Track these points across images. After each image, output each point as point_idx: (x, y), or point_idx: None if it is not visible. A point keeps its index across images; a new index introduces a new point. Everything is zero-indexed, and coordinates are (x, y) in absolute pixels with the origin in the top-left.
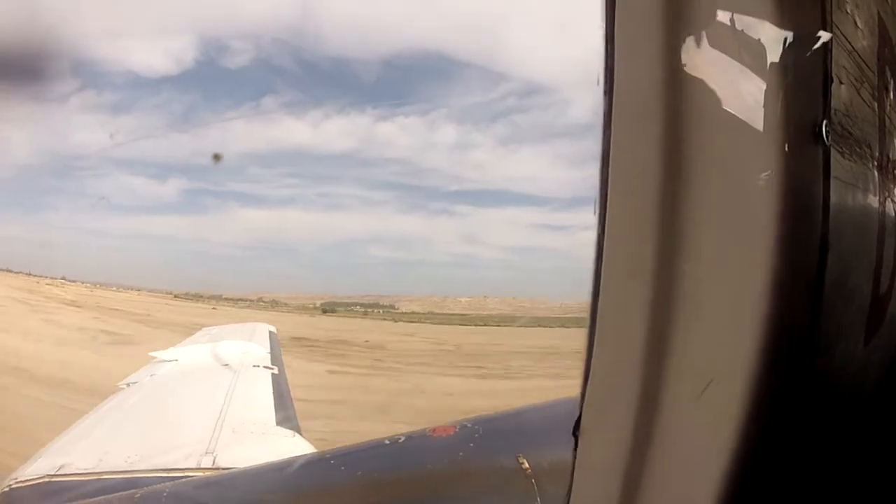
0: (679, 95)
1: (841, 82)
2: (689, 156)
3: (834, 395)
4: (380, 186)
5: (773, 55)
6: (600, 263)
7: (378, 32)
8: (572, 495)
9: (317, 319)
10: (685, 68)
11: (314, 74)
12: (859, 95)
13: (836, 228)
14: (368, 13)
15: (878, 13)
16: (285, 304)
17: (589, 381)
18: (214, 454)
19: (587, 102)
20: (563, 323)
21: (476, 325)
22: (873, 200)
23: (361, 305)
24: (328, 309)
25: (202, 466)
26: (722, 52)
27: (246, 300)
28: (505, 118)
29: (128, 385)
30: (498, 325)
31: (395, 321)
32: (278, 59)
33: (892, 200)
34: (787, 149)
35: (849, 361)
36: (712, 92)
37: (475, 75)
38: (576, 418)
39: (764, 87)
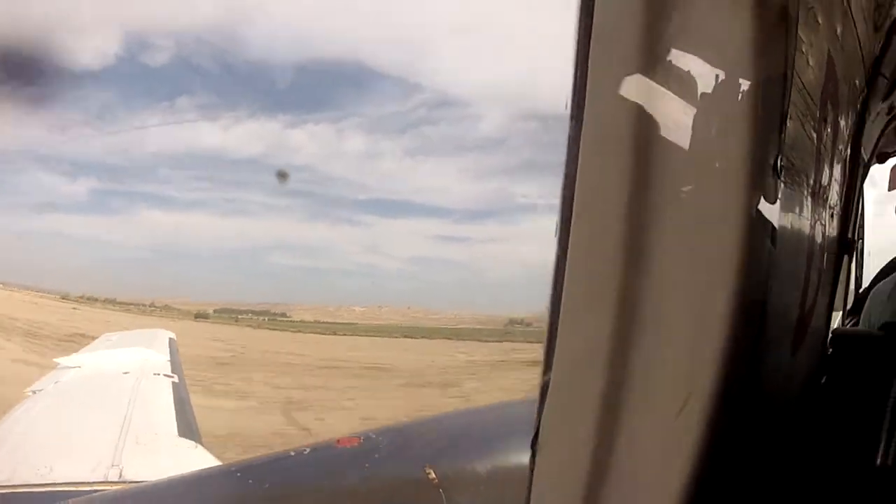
0: (648, 126)
1: (790, 118)
2: (655, 185)
3: (769, 400)
4: (286, 193)
5: (737, 94)
6: (561, 284)
7: (298, 37)
8: None
9: (183, 325)
10: (654, 101)
11: (230, 76)
12: (803, 128)
13: (780, 253)
14: (292, 18)
15: (829, 50)
16: (177, 310)
17: (548, 395)
18: (121, 467)
19: (496, 118)
20: (448, 335)
21: (363, 334)
22: (806, 225)
23: (253, 312)
24: (201, 315)
25: (109, 480)
26: (690, 89)
27: (139, 304)
28: (415, 129)
29: (34, 392)
30: (377, 336)
31: (273, 329)
32: (198, 59)
33: (821, 224)
34: (746, 181)
35: (780, 370)
36: (680, 125)
37: (389, 85)
38: (534, 431)
39: (728, 122)
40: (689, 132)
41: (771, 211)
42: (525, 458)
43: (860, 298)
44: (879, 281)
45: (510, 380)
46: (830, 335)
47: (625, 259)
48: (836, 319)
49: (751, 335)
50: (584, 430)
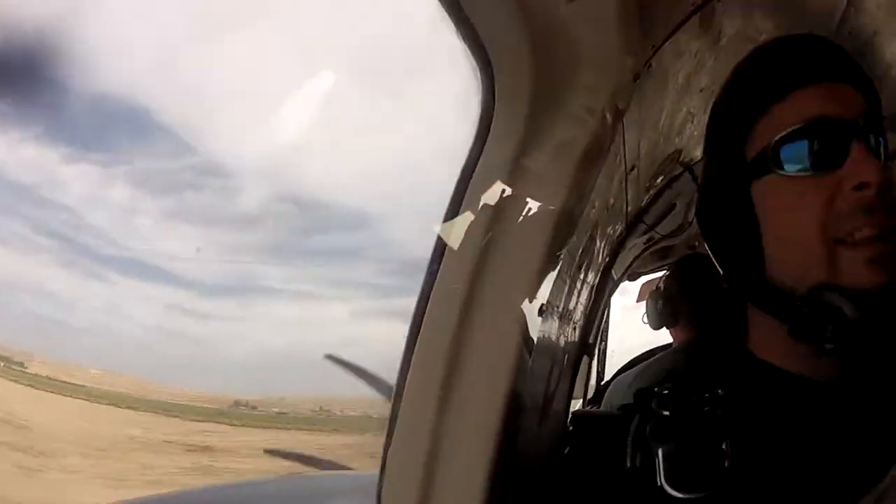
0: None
1: (559, 266)
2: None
3: (524, 468)
4: (45, 232)
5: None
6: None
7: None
8: None
9: None
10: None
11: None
12: (564, 275)
13: (535, 359)
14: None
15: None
16: None
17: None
18: None
19: (257, 194)
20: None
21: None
22: (553, 337)
23: None
24: None
25: None
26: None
27: None
28: (178, 192)
29: None
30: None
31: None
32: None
33: (564, 336)
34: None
35: (532, 444)
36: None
37: (165, 139)
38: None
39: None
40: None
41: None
42: None
43: (601, 390)
44: (621, 374)
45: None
46: (570, 415)
47: (451, 354)
48: (577, 405)
49: (514, 418)
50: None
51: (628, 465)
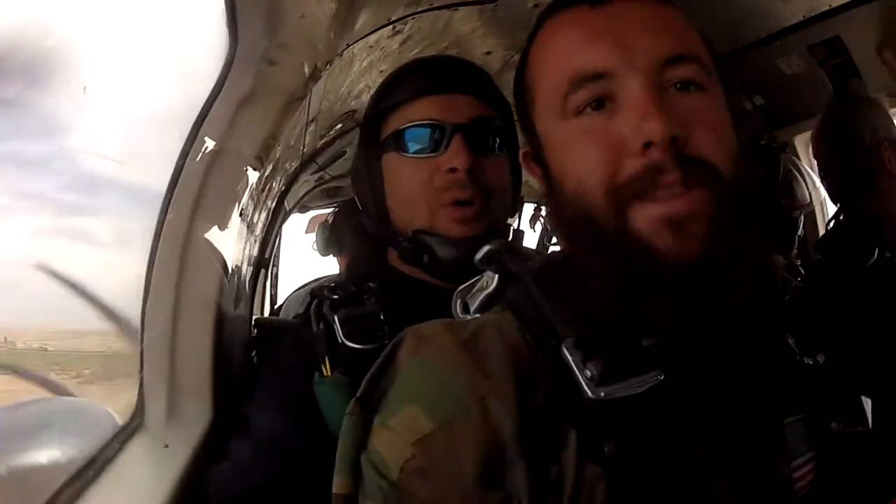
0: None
1: (260, 179)
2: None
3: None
4: None
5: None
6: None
7: None
8: None
9: None
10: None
11: None
12: (262, 187)
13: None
14: None
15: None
16: None
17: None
18: None
19: None
20: None
21: None
22: (242, 245)
23: None
24: None
25: None
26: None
27: None
28: None
29: None
30: None
31: None
32: None
33: (249, 245)
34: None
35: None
36: None
37: None
38: None
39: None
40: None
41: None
42: None
43: (275, 313)
44: (297, 293)
45: None
46: (254, 322)
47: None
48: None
49: (222, 322)
50: None
51: (314, 329)
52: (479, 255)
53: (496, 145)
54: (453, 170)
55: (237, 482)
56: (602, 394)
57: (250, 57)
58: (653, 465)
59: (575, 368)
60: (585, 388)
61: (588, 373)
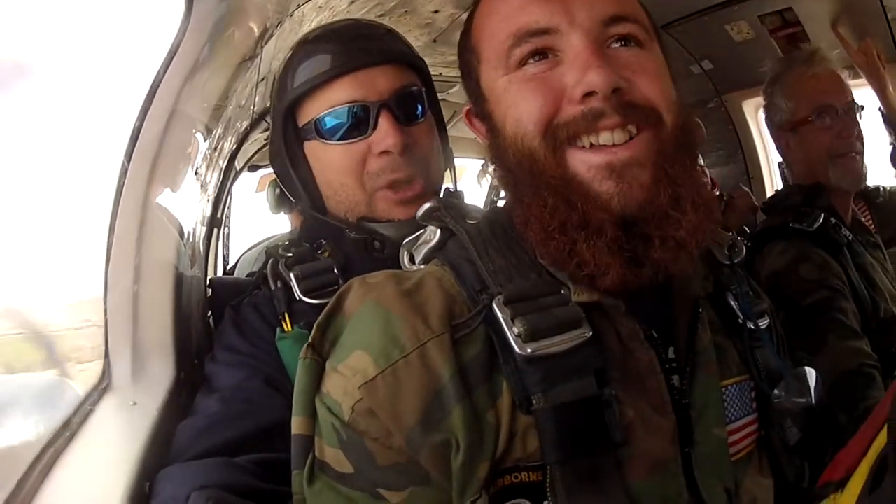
0: None
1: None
2: None
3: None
4: None
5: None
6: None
7: None
8: None
9: None
10: None
11: None
12: (213, 146)
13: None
14: None
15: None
16: None
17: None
18: None
19: None
20: None
21: None
22: (196, 205)
23: None
24: None
25: None
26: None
27: None
28: None
29: None
30: None
31: None
32: None
33: (202, 205)
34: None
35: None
36: None
37: None
38: None
39: None
40: None
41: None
42: None
43: (228, 273)
44: (249, 252)
45: None
46: (209, 281)
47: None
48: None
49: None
50: None
51: (272, 287)
52: (419, 212)
53: (421, 111)
54: (386, 152)
55: (208, 436)
56: (529, 350)
57: (204, 23)
58: (579, 419)
59: (504, 325)
60: (513, 344)
61: (516, 329)
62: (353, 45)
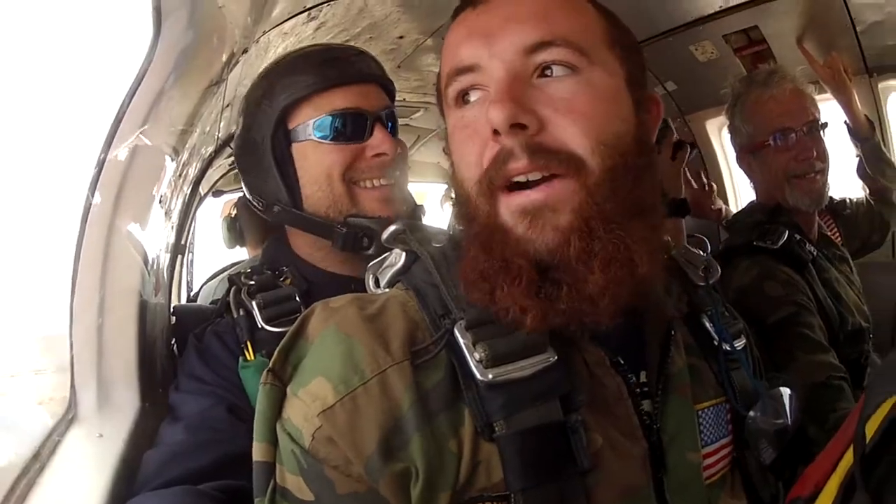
0: None
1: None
2: None
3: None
4: None
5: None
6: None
7: None
8: None
9: None
10: None
11: None
12: (177, 175)
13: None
14: None
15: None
16: None
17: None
18: None
19: None
20: None
21: None
22: (155, 235)
23: None
24: None
25: None
26: None
27: None
28: None
29: None
30: None
31: None
32: None
33: (166, 234)
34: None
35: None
36: None
37: None
38: None
39: None
40: None
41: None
42: None
43: (192, 300)
44: (213, 279)
45: None
46: (173, 309)
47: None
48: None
49: (144, 307)
50: None
51: (235, 316)
52: (385, 235)
53: (395, 131)
54: (379, 154)
55: (173, 464)
56: (490, 376)
57: (171, 50)
58: (544, 445)
59: (465, 350)
60: (474, 370)
61: (477, 355)
62: (350, 61)
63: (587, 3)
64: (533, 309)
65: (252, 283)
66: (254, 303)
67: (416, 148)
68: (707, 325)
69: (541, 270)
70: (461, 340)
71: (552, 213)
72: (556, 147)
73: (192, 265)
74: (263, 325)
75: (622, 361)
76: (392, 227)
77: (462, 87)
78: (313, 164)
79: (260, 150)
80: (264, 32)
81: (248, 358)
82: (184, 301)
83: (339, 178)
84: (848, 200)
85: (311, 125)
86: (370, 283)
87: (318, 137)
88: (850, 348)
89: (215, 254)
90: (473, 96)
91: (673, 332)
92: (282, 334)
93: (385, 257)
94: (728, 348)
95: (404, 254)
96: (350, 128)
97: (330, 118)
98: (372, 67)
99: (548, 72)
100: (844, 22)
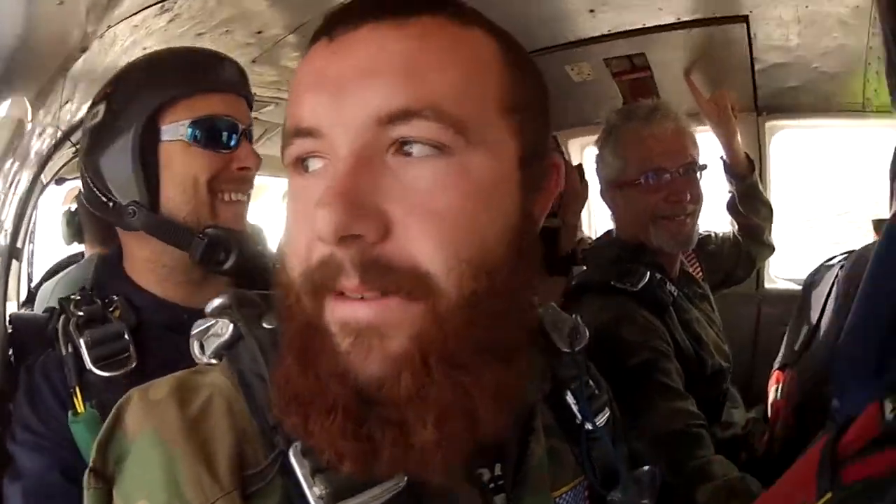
0: None
1: None
2: None
3: None
4: None
5: None
6: None
7: None
8: None
9: None
10: None
11: None
12: None
13: None
14: None
15: None
16: None
17: None
18: None
19: None
20: None
21: None
22: None
23: None
24: None
25: None
26: None
27: None
28: None
29: None
30: None
31: None
32: None
33: None
34: None
35: None
36: None
37: None
38: None
39: None
40: None
41: None
42: None
43: (33, 292)
44: (46, 277)
45: None
46: (9, 318)
47: None
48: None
49: None
50: None
51: (63, 352)
52: (209, 308)
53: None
54: (244, 168)
55: None
56: None
57: (4, 49)
58: None
59: (303, 483)
60: None
61: (317, 490)
62: (231, 69)
63: (479, 34)
64: (350, 455)
65: (81, 314)
66: (81, 340)
67: (262, 142)
68: (570, 402)
69: (365, 401)
70: (298, 469)
71: (380, 339)
72: (398, 263)
73: (32, 256)
74: (91, 366)
75: (476, 459)
76: (218, 300)
77: (300, 154)
78: (179, 166)
79: (123, 139)
80: (109, 27)
81: (78, 409)
82: (24, 295)
83: (205, 186)
84: (713, 235)
85: (184, 125)
86: (195, 348)
87: (190, 140)
88: (709, 390)
89: (56, 244)
90: (314, 165)
91: (535, 421)
92: (110, 379)
93: (211, 324)
94: (590, 427)
95: (231, 325)
96: (223, 135)
97: (205, 122)
98: (246, 81)
99: (409, 148)
100: (743, 60)
